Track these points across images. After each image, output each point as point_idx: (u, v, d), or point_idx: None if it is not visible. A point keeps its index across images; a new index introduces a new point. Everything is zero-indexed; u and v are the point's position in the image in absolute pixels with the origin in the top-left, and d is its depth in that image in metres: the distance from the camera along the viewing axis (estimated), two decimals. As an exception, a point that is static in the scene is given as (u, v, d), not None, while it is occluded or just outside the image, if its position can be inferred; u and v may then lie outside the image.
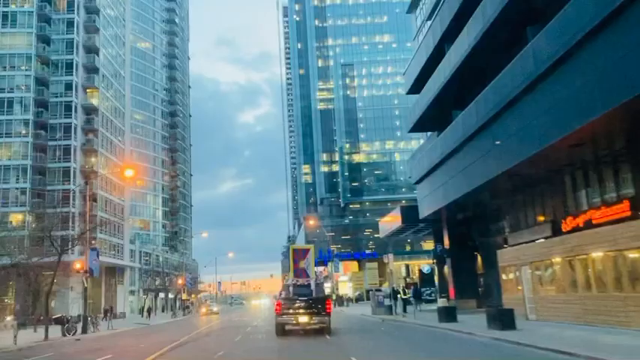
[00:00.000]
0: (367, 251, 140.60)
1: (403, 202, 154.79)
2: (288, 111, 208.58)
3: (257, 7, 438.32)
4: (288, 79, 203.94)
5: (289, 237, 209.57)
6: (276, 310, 25.99)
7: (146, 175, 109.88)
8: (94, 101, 75.19)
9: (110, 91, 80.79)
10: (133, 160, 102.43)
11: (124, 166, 61.61)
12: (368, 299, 66.79)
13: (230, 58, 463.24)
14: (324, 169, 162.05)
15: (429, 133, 52.38)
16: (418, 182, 44.14)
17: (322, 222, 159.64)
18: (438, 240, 48.32)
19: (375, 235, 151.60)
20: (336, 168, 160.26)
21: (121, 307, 77.70)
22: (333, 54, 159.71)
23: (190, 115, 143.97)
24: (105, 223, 71.66)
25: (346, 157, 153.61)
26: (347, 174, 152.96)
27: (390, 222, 54.57)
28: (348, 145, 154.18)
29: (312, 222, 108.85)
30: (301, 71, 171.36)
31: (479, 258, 41.83)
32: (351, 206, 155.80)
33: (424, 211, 42.86)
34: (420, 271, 52.49)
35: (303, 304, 25.32)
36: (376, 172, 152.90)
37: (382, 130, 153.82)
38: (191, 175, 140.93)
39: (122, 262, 78.89)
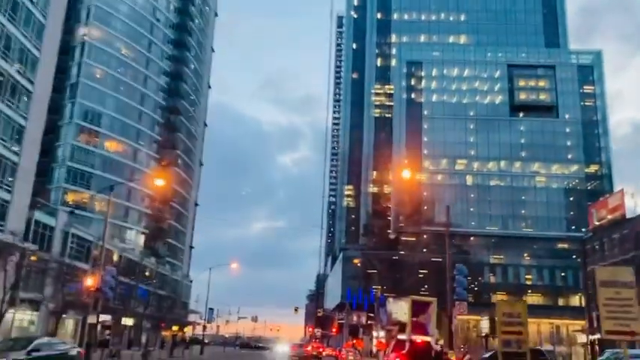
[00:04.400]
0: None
1: (472, 238, 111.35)
2: (333, 133, 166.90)
3: (309, 51, 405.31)
4: (335, 95, 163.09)
5: (319, 275, 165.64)
6: None
7: (124, 134, 68.15)
8: None
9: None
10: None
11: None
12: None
13: (275, 99, 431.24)
14: (373, 189, 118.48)
15: None
16: None
17: (365, 256, 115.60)
18: None
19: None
20: (388, 189, 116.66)
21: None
22: (397, 52, 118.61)
23: (209, 87, 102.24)
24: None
25: (404, 175, 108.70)
26: (402, 197, 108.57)
27: None
28: (407, 161, 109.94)
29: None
30: (355, 75, 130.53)
31: None
32: (403, 238, 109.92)
33: None
34: None
35: None
36: (441, 198, 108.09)
37: (452, 146, 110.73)
38: (201, 164, 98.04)
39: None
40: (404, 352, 21.80)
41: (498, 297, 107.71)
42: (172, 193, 79.32)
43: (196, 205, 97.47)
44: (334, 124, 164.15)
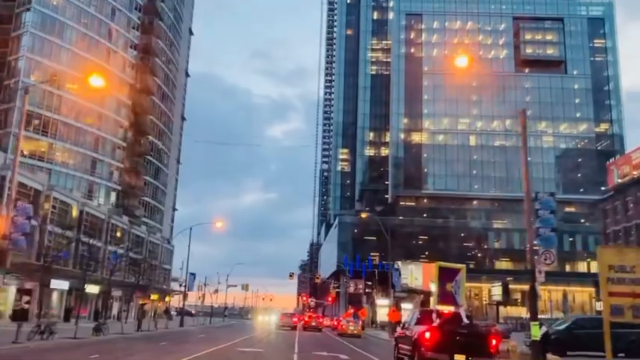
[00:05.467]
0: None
1: (474, 202, 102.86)
2: (325, 101, 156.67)
3: (297, 21, 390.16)
4: (328, 57, 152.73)
5: (312, 244, 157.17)
6: (423, 343, 16.70)
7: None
8: None
9: None
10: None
11: None
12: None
13: (265, 71, 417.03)
14: (370, 152, 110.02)
15: None
16: None
17: (360, 220, 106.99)
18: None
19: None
20: (385, 151, 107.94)
21: None
22: (395, 4, 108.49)
23: (192, 33, 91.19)
24: None
25: (402, 136, 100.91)
26: (401, 159, 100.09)
27: None
28: (406, 121, 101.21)
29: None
30: (349, 31, 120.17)
31: None
32: (401, 203, 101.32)
33: None
34: None
35: (458, 339, 16.67)
36: (442, 159, 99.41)
37: (454, 104, 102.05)
38: (184, 119, 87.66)
39: None
40: (435, 324, 17.73)
41: (503, 264, 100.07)
42: (149, 145, 69.00)
43: (179, 162, 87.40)
44: (327, 87, 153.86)
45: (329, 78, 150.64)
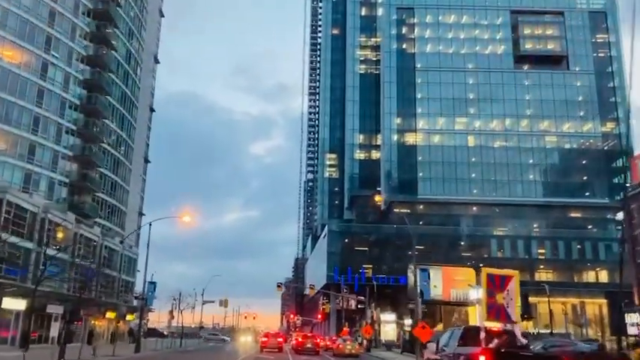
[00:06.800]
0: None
1: (474, 208, 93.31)
2: (310, 109, 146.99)
3: (279, 37, 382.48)
4: (312, 62, 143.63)
5: (297, 259, 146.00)
6: None
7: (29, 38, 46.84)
8: None
9: None
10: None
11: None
12: None
13: (246, 87, 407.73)
14: (360, 155, 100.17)
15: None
16: None
17: (351, 229, 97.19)
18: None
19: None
20: (377, 155, 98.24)
21: None
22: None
23: (162, 15, 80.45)
24: None
25: (395, 137, 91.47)
26: (394, 162, 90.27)
27: None
28: (398, 121, 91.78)
29: None
30: (335, 30, 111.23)
31: None
32: (396, 210, 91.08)
33: None
34: None
35: None
36: (438, 161, 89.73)
37: (450, 103, 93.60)
38: (152, 110, 76.53)
39: None
40: (492, 345, 14.99)
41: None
42: (105, 131, 57.17)
43: (147, 161, 76.01)
44: (311, 93, 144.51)
45: (313, 84, 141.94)
